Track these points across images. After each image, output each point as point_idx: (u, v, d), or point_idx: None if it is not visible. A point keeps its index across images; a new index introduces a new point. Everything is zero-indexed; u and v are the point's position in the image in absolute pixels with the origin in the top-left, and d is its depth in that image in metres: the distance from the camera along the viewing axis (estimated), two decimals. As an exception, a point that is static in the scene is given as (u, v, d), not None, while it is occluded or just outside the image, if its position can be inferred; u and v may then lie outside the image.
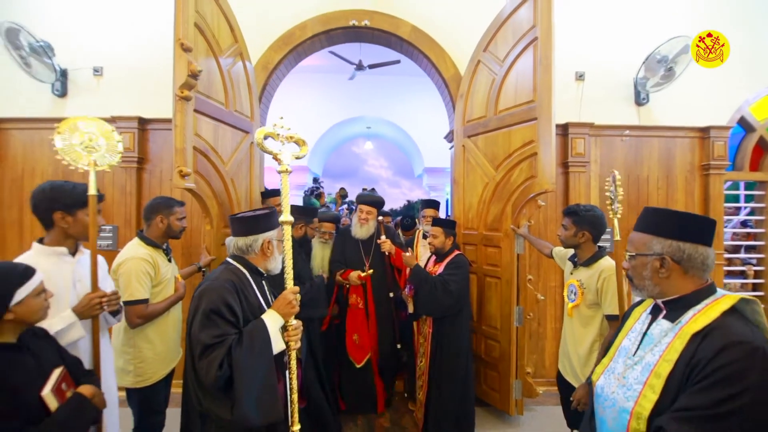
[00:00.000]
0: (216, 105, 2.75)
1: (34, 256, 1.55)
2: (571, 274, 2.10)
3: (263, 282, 1.72)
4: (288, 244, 1.64)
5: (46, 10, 3.47)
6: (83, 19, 3.49)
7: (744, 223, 4.34)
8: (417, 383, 2.86)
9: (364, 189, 7.48)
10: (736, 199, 4.28)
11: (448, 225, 2.77)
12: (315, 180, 10.69)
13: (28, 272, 1.21)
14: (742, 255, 4.20)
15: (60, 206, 1.57)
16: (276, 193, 2.99)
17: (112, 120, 3.37)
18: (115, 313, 1.72)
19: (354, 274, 2.96)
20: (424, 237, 3.48)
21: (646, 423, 1.00)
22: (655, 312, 1.12)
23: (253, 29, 3.33)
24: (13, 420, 1.06)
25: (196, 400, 1.46)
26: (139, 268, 2.03)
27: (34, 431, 1.09)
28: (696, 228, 1.03)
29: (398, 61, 5.56)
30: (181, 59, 2.28)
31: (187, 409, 1.55)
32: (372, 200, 3.09)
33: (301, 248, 2.84)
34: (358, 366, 3.00)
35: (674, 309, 1.05)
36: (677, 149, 3.66)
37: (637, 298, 1.27)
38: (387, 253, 2.97)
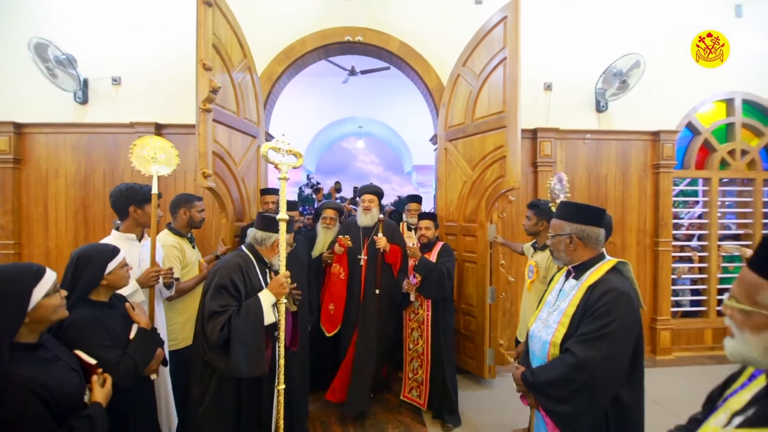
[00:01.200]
0: (229, 114, 3.15)
1: (113, 239, 2.00)
2: (532, 256, 2.58)
3: (266, 269, 2.08)
4: (282, 237, 2.00)
5: (70, 25, 3.81)
6: (103, 33, 3.84)
7: (701, 216, 4.90)
8: (411, 365, 3.12)
9: (355, 187, 7.90)
10: (695, 194, 4.83)
11: (435, 218, 3.12)
12: (308, 177, 11.08)
13: (115, 251, 1.64)
14: (694, 243, 4.77)
15: (134, 202, 2.05)
16: (272, 191, 3.33)
17: (131, 126, 3.75)
18: (168, 286, 2.16)
19: (337, 245, 3.11)
20: (409, 229, 3.90)
21: (558, 347, 1.48)
22: (567, 275, 1.60)
23: (258, 44, 3.71)
24: (117, 349, 1.51)
25: (202, 352, 1.85)
26: (171, 254, 2.47)
27: (126, 354, 1.53)
28: (592, 215, 1.51)
29: (388, 67, 5.93)
30: (203, 77, 2.69)
31: (195, 359, 1.93)
32: (372, 190, 3.26)
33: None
34: (328, 335, 3.14)
35: (578, 271, 1.53)
36: (632, 151, 4.19)
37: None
38: (381, 251, 3.06)
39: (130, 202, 2.07)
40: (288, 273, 1.99)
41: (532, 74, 4.01)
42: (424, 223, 3.04)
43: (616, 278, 1.43)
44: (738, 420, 0.79)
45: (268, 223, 2.04)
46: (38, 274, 1.22)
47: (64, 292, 1.32)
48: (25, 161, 3.86)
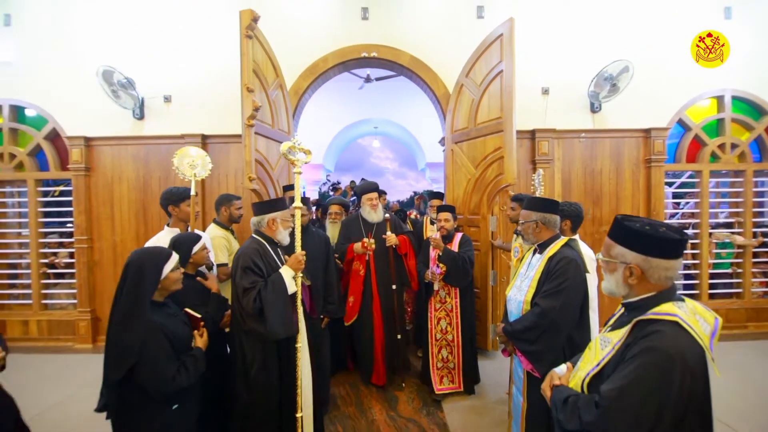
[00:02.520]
0: (266, 126, 3.73)
1: (164, 234, 2.62)
2: (516, 240, 3.07)
3: (278, 249, 2.42)
4: (297, 222, 2.32)
5: (129, 52, 4.48)
6: (156, 59, 4.49)
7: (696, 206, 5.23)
8: (440, 354, 3.29)
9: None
10: (692, 186, 5.16)
11: (454, 210, 3.37)
12: (327, 177, 11.72)
13: (198, 238, 2.22)
14: (690, 231, 5.10)
15: (170, 202, 2.65)
16: (292, 187, 3.83)
17: (181, 137, 4.40)
18: (209, 268, 2.74)
19: (357, 244, 3.35)
20: (432, 223, 4.29)
21: (529, 304, 1.98)
22: (534, 251, 2.10)
23: (287, 63, 4.27)
24: (203, 308, 2.10)
25: (242, 322, 2.19)
26: (220, 243, 3.03)
27: (207, 312, 2.11)
28: (550, 205, 2.01)
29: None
30: (247, 98, 3.27)
31: (235, 330, 2.28)
32: (374, 187, 3.50)
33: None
34: (346, 324, 3.37)
35: (542, 248, 2.03)
36: (625, 147, 4.57)
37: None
38: (393, 247, 3.27)
39: (168, 202, 2.66)
40: (303, 252, 2.32)
41: (530, 80, 4.46)
42: (443, 215, 3.27)
43: (568, 250, 1.93)
44: (608, 329, 1.29)
45: (258, 208, 2.41)
46: (168, 255, 1.78)
47: (182, 270, 1.87)
48: (94, 169, 4.56)
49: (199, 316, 1.94)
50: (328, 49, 4.49)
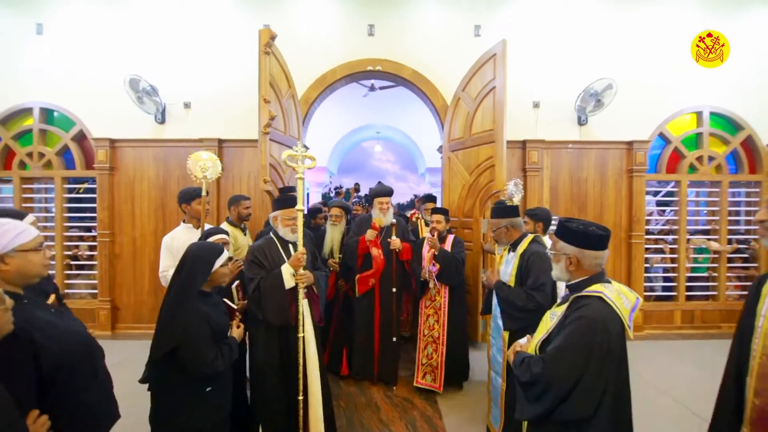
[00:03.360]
0: (279, 133, 4.10)
1: (180, 229, 2.98)
2: (503, 240, 3.44)
3: (288, 245, 2.59)
4: (300, 222, 2.46)
5: (153, 61, 4.86)
6: (177, 68, 4.88)
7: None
8: (425, 351, 3.44)
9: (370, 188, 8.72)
10: (672, 194, 5.51)
11: (446, 212, 3.60)
12: (330, 179, 12.09)
13: (221, 230, 2.54)
14: (669, 237, 5.45)
15: (183, 201, 3.04)
16: (289, 189, 3.81)
17: (200, 141, 4.77)
18: None
19: (368, 231, 3.50)
20: (426, 224, 4.62)
21: (510, 294, 2.34)
22: (509, 250, 2.46)
23: (298, 74, 4.64)
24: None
25: (251, 308, 2.47)
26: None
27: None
28: (512, 211, 2.41)
29: (403, 83, 6.84)
30: (264, 109, 3.64)
31: (248, 315, 2.51)
32: (387, 191, 3.66)
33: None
34: (357, 294, 3.50)
35: (514, 246, 2.41)
36: (609, 158, 4.93)
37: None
38: (397, 250, 3.46)
39: (181, 201, 3.04)
40: (304, 250, 2.43)
41: (522, 94, 4.83)
42: (436, 217, 3.47)
43: (536, 246, 2.32)
44: (556, 306, 1.65)
45: (272, 205, 2.73)
46: (220, 251, 1.92)
47: (230, 266, 2.11)
48: (117, 169, 4.93)
49: (235, 306, 2.26)
50: (337, 62, 4.87)
